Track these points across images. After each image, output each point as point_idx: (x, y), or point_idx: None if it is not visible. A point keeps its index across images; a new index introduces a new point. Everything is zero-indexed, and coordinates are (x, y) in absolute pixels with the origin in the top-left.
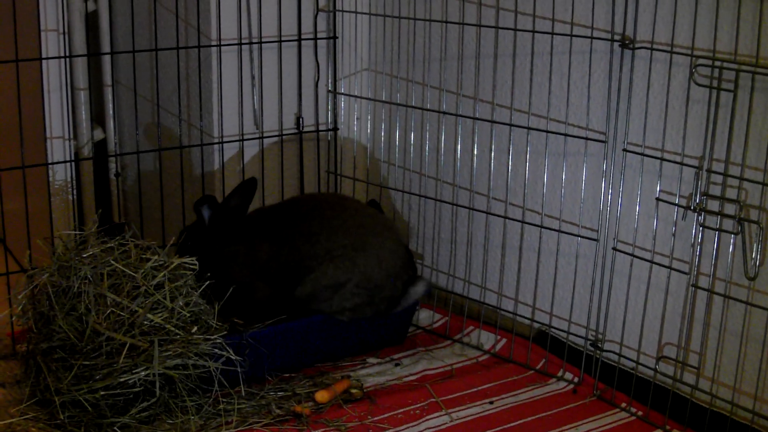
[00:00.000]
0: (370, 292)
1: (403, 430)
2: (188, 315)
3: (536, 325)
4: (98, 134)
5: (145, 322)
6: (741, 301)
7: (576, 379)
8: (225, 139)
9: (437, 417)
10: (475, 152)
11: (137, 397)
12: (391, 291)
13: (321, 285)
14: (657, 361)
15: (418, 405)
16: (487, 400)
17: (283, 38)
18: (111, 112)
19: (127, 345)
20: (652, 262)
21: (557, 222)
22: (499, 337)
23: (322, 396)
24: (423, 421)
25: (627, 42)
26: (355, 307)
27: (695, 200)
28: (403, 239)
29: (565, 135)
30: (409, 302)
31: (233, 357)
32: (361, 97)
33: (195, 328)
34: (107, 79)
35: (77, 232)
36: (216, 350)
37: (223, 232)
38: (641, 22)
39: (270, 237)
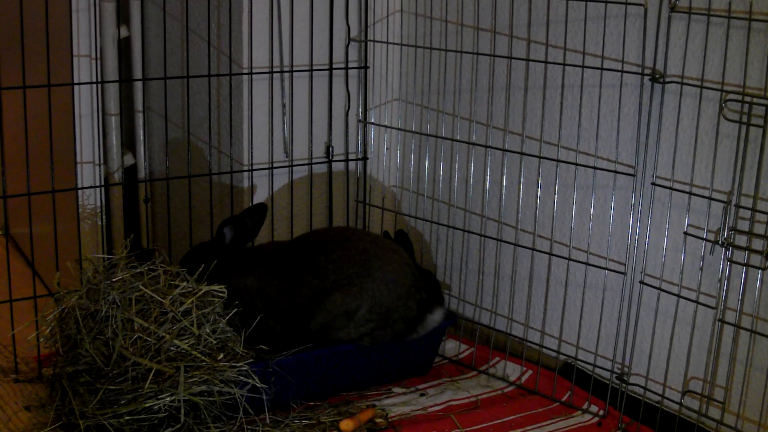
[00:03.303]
0: (383, 315)
1: None
2: (215, 342)
3: (562, 357)
4: (128, 160)
5: (172, 348)
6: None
7: (601, 412)
8: (255, 167)
9: None
10: (504, 184)
11: (162, 422)
12: (404, 311)
13: (333, 315)
14: (682, 395)
15: None
16: None
17: (314, 67)
18: (142, 137)
19: (153, 370)
20: (679, 296)
21: (585, 255)
22: (524, 368)
23: (346, 425)
24: None
25: (657, 76)
26: (372, 332)
27: (723, 235)
28: (410, 261)
29: (594, 168)
30: (426, 329)
31: (259, 384)
32: (391, 127)
33: (221, 355)
34: (138, 105)
35: (106, 256)
36: (242, 377)
37: (233, 261)
38: (672, 57)
39: (278, 274)
